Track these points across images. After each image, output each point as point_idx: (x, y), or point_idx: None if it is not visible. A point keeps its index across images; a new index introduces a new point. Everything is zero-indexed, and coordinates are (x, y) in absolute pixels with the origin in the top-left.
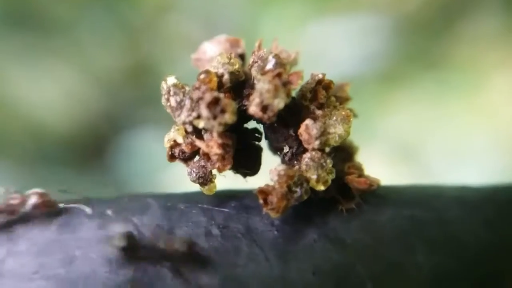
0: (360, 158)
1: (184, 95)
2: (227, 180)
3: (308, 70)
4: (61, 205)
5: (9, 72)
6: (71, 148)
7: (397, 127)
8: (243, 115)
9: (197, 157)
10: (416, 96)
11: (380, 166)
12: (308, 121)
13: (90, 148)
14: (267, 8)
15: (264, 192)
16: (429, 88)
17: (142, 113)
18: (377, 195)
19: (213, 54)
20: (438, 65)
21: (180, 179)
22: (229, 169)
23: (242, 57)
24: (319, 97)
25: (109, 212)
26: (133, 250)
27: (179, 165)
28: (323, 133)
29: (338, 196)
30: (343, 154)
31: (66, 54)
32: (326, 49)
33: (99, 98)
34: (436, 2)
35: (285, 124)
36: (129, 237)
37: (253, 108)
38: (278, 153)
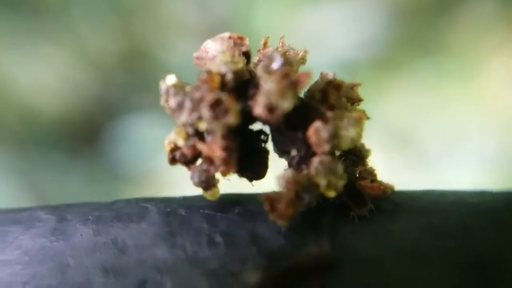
0: None
1: (184, 96)
2: (232, 184)
3: None
4: None
5: (0, 55)
6: (64, 134)
7: (393, 114)
8: (248, 116)
9: (199, 161)
10: (412, 82)
11: (375, 153)
12: (317, 124)
13: (84, 134)
14: None
15: (271, 199)
16: (426, 74)
17: (136, 98)
18: (391, 202)
19: (215, 53)
20: (434, 51)
21: (176, 166)
22: (234, 173)
23: (246, 55)
24: (330, 98)
25: (105, 217)
26: None
27: None
28: (334, 136)
29: (350, 202)
30: (354, 157)
31: (58, 38)
32: (321, 34)
33: (93, 83)
34: None
35: (292, 126)
36: None
37: (259, 109)
38: (285, 156)
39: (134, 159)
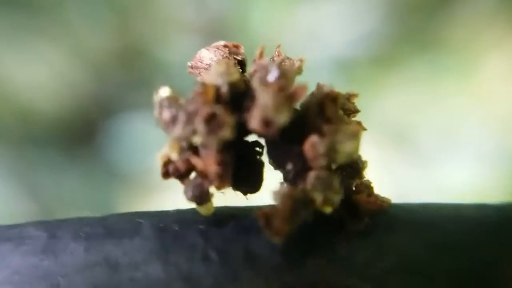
0: None
1: (178, 109)
2: (226, 197)
3: (299, 52)
4: None
5: None
6: (60, 132)
7: (390, 110)
8: (243, 129)
9: (193, 175)
10: (409, 78)
11: (372, 149)
12: (314, 137)
13: (80, 132)
14: None
15: (266, 215)
16: (423, 70)
17: (132, 96)
18: (389, 216)
19: (210, 62)
20: (432, 47)
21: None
22: (228, 187)
23: (241, 63)
24: (326, 111)
25: (97, 233)
26: None
27: None
28: (330, 150)
29: (346, 217)
30: (350, 170)
31: (55, 35)
32: (318, 31)
33: (89, 81)
34: None
35: (288, 139)
36: None
37: (254, 123)
38: (281, 170)
39: (130, 157)
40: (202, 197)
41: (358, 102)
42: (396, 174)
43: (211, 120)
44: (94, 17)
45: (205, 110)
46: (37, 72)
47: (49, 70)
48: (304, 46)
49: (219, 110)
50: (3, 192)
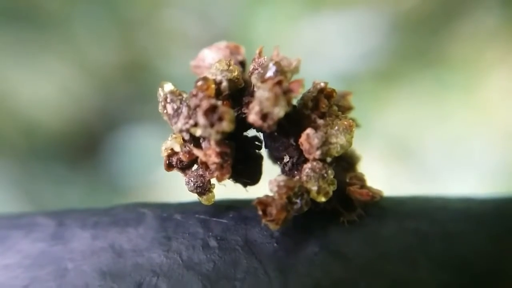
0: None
1: (181, 102)
2: (226, 189)
3: (303, 67)
4: None
5: (1, 67)
6: (64, 145)
7: (393, 126)
8: (243, 123)
9: (195, 166)
10: (413, 94)
11: (376, 165)
12: (309, 131)
13: (84, 145)
14: (263, 3)
15: (263, 203)
16: (427, 86)
17: (136, 109)
18: (380, 207)
19: (212, 61)
20: (435, 63)
21: (175, 177)
22: (228, 179)
23: (242, 64)
24: (321, 106)
25: (103, 222)
26: None
27: None
28: (325, 143)
29: (340, 208)
30: (344, 163)
31: (60, 50)
32: (322, 46)
33: (93, 94)
34: None
35: (285, 133)
36: None
37: (253, 117)
38: (278, 162)
39: (134, 171)
40: (203, 187)
41: (361, 117)
42: (400, 189)
43: (211, 113)
44: (99, 32)
45: (205, 104)
46: (41, 86)
47: (54, 84)
48: (308, 61)
49: (219, 103)
50: (7, 204)
